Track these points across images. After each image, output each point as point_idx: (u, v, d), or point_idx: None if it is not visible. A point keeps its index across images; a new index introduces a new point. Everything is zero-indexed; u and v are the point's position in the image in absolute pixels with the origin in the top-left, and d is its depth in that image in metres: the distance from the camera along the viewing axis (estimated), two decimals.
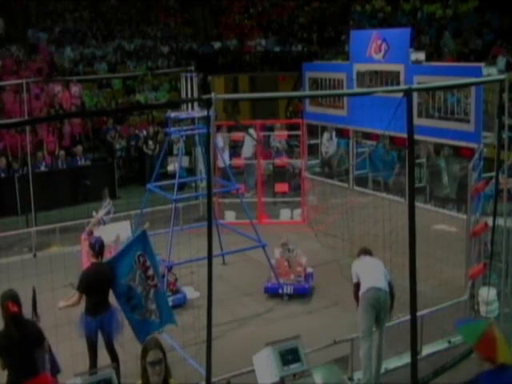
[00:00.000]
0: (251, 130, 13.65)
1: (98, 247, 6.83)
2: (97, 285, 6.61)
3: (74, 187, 14.54)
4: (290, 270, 9.25)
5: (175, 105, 10.79)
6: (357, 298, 6.78)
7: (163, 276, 8.74)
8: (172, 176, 11.83)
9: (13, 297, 5.41)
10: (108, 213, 9.25)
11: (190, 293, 9.03)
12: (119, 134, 17.22)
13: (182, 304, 8.84)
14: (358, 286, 6.79)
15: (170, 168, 14.16)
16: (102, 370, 4.91)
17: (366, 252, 7.13)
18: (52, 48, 19.92)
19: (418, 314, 5.98)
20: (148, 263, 6.63)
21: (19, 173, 13.61)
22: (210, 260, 5.31)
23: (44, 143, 15.26)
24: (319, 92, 12.46)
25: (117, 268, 6.66)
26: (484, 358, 4.09)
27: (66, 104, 16.86)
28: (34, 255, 11.14)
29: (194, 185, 14.32)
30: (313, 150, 13.77)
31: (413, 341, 5.65)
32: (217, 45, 22.31)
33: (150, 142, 16.13)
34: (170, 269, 8.73)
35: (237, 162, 14.60)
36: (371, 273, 6.77)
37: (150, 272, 6.63)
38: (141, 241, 6.67)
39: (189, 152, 15.13)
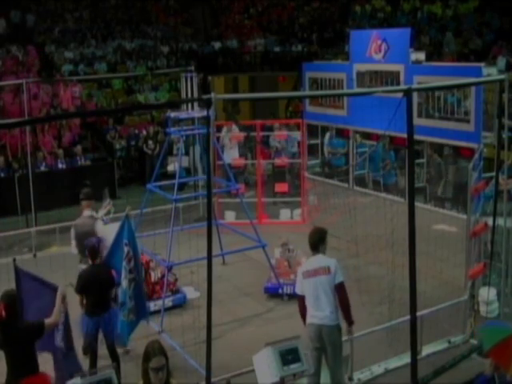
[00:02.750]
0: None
1: (88, 250, 6.79)
2: (92, 286, 6.59)
3: (74, 187, 14.50)
4: (290, 270, 9.25)
5: (175, 105, 10.79)
6: (303, 315, 6.13)
7: (163, 276, 8.76)
8: (172, 176, 11.83)
9: (7, 298, 5.39)
10: (108, 213, 9.25)
11: (190, 293, 9.03)
12: (119, 134, 17.22)
13: (181, 304, 8.84)
14: (301, 299, 6.12)
15: (170, 168, 14.17)
16: (101, 370, 4.92)
17: (314, 247, 6.12)
18: (52, 48, 19.96)
19: (418, 313, 6.00)
20: (131, 253, 6.30)
21: (19, 173, 13.61)
22: (210, 260, 5.32)
23: (41, 144, 15.24)
24: (319, 92, 12.47)
25: (114, 262, 6.55)
26: (498, 365, 4.00)
27: (67, 104, 16.85)
28: (34, 255, 11.14)
29: (192, 184, 14.31)
30: (313, 151, 13.77)
31: (413, 341, 5.66)
32: (217, 45, 22.31)
33: (150, 142, 16.13)
34: (170, 269, 8.73)
35: (237, 161, 14.62)
36: (314, 298, 5.98)
37: (132, 264, 6.30)
38: (125, 228, 6.40)
39: (188, 152, 15.13)
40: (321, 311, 5.99)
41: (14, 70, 17.53)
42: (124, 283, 6.36)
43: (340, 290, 5.99)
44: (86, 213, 7.92)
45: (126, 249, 6.32)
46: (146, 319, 6.78)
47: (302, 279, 6.08)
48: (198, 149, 14.45)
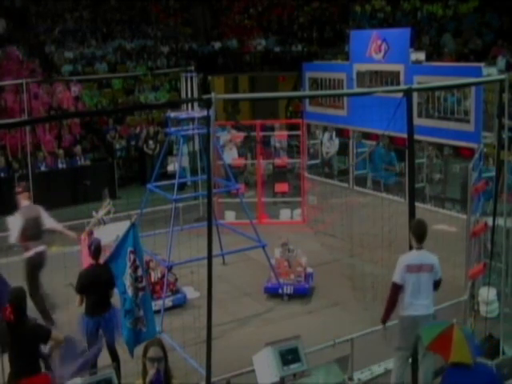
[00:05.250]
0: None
1: (93, 249, 6.80)
2: (93, 286, 6.59)
3: (74, 187, 14.54)
4: (290, 270, 9.24)
5: (175, 105, 10.80)
6: (393, 303, 6.05)
7: (163, 276, 8.76)
8: (172, 176, 11.83)
9: (14, 299, 5.40)
10: (108, 213, 9.25)
11: (190, 293, 9.03)
12: (119, 134, 17.23)
13: (181, 304, 8.84)
14: (398, 289, 5.98)
15: (170, 168, 14.17)
16: (102, 370, 4.92)
17: (422, 239, 5.97)
18: (52, 48, 19.97)
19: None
20: (137, 262, 6.22)
21: (19, 173, 13.60)
22: (210, 260, 5.32)
23: (42, 143, 15.26)
24: (319, 92, 12.47)
25: (114, 267, 6.49)
26: (441, 356, 4.22)
27: (67, 104, 16.86)
28: None
29: (192, 184, 14.32)
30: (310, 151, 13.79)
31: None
32: (217, 45, 22.33)
33: (151, 142, 16.13)
34: (170, 269, 8.73)
35: (237, 161, 14.64)
36: (414, 290, 5.94)
37: (139, 272, 6.21)
38: (131, 235, 6.28)
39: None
40: (419, 302, 5.98)
41: (14, 69, 17.52)
42: (130, 291, 6.31)
43: (437, 286, 6.10)
44: (26, 203, 8.65)
45: (131, 256, 6.23)
46: (155, 334, 6.65)
47: (404, 271, 5.97)
48: (185, 149, 14.52)
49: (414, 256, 5.99)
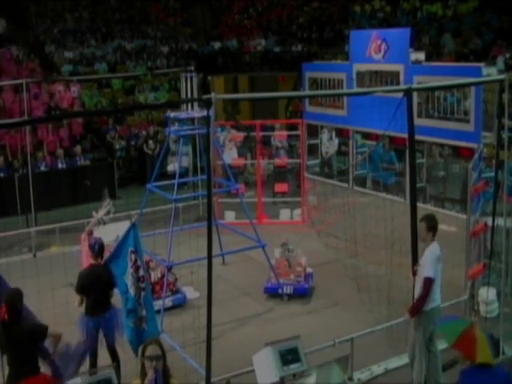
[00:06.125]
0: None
1: (97, 248, 6.80)
2: (93, 286, 6.58)
3: (74, 187, 14.54)
4: (290, 270, 9.25)
5: (175, 105, 10.79)
6: (427, 298, 6.14)
7: (163, 276, 8.77)
8: (171, 176, 11.83)
9: (9, 299, 5.39)
10: (108, 213, 9.26)
11: (190, 293, 9.03)
12: (119, 134, 17.23)
13: (181, 304, 8.84)
14: (433, 282, 6.09)
15: (170, 168, 14.18)
16: (101, 370, 4.93)
17: (436, 232, 6.24)
18: (52, 48, 19.97)
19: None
20: (139, 262, 6.24)
21: (19, 173, 13.61)
22: (210, 260, 5.32)
23: (44, 143, 15.28)
24: (319, 92, 12.45)
25: (115, 266, 6.48)
26: (464, 357, 4.17)
27: (67, 104, 16.86)
28: (34, 255, 11.14)
29: (192, 184, 14.33)
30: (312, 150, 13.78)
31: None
32: (217, 45, 22.33)
33: (150, 142, 16.14)
34: (169, 269, 8.73)
35: (237, 161, 14.65)
36: (437, 281, 6.15)
37: (141, 272, 6.24)
38: (131, 235, 6.30)
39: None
40: (439, 291, 6.22)
41: (14, 69, 17.53)
42: (132, 290, 6.31)
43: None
44: None
45: (132, 256, 6.24)
46: (158, 333, 6.65)
47: (436, 264, 6.15)
48: (186, 149, 14.51)
49: (436, 248, 6.21)
